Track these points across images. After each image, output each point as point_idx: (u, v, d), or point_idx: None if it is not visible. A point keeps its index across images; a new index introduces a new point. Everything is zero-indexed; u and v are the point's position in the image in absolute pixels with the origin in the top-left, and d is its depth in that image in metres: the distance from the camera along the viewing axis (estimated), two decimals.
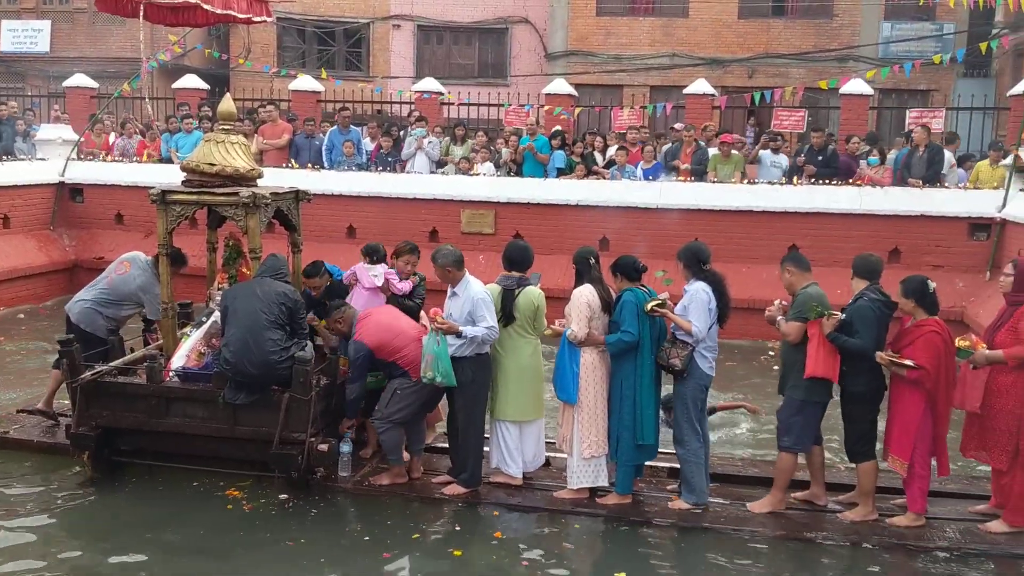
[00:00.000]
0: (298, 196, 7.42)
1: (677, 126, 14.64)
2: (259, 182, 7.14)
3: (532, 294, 6.51)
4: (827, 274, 7.82)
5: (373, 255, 7.23)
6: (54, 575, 5.50)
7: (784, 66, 21.58)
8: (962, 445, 6.28)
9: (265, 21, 8.96)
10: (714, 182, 13.00)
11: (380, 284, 7.12)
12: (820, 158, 13.03)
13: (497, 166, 14.09)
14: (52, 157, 14.54)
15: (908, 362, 5.81)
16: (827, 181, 12.70)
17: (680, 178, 13.13)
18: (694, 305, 6.16)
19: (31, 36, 24.73)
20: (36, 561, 5.60)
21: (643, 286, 6.38)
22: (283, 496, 6.43)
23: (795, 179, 12.85)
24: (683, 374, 6.18)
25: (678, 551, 6.06)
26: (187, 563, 5.68)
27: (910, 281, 6.06)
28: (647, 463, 6.78)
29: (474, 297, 6.31)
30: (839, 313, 5.96)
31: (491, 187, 13.47)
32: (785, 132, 14.58)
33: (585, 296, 6.26)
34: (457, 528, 6.21)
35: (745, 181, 13.08)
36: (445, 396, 6.69)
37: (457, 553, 5.84)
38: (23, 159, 14.24)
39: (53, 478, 6.85)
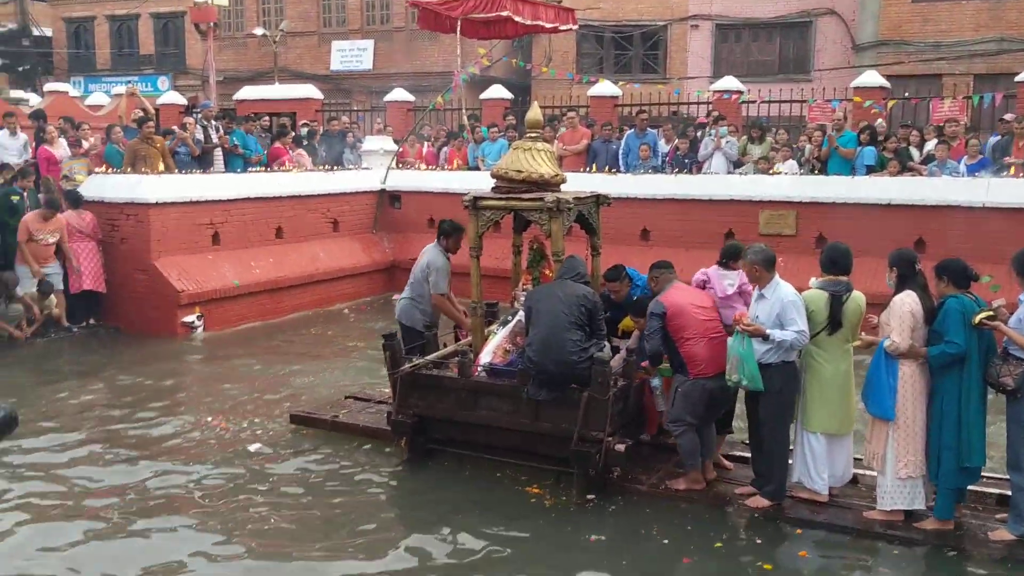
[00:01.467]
0: (599, 200, 7.56)
1: (1007, 117, 13.27)
2: (561, 187, 7.36)
3: (859, 300, 6.16)
4: None
5: (732, 257, 6.81)
6: (364, 539, 6.02)
7: None
8: None
9: (571, 29, 9.22)
10: None
11: (732, 292, 6.78)
12: None
13: (800, 164, 13.53)
14: (375, 166, 15.88)
15: None
16: None
17: (1011, 174, 11.87)
18: None
19: (356, 55, 27.22)
20: (354, 524, 6.16)
21: (970, 294, 5.83)
22: (590, 496, 6.55)
23: None
24: (1017, 394, 5.56)
25: None
26: (490, 546, 5.95)
27: None
28: (971, 488, 6.19)
29: (784, 300, 6.06)
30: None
31: (792, 186, 12.94)
32: None
33: (908, 304, 5.83)
34: (758, 541, 6.01)
35: None
36: (746, 405, 6.52)
37: (767, 567, 5.67)
38: (351, 168, 15.68)
39: (375, 458, 7.48)
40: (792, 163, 13.51)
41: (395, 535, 6.17)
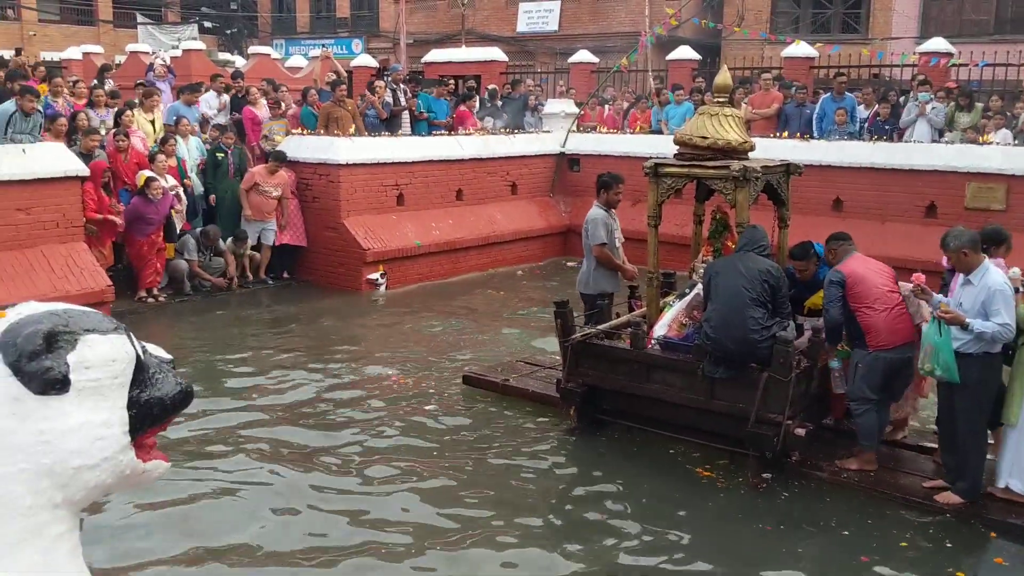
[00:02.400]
0: (788, 170, 7.17)
1: None
2: (749, 155, 7.03)
3: None
4: None
5: (995, 242, 6.15)
6: (530, 501, 6.00)
7: None
8: None
9: None
10: None
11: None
12: None
13: (1014, 135, 12.39)
14: (555, 129, 15.82)
15: None
16: None
17: None
18: None
19: (543, 16, 27.15)
20: (521, 488, 6.16)
21: None
22: (766, 475, 6.31)
23: None
24: None
25: None
26: (655, 527, 5.81)
27: None
28: None
29: (991, 287, 5.52)
30: None
31: (1005, 157, 11.87)
32: None
33: None
34: (948, 544, 5.58)
35: None
36: (938, 394, 6.05)
37: (959, 574, 5.26)
38: (531, 132, 15.67)
39: (544, 425, 7.48)
40: (1006, 132, 12.40)
41: (556, 506, 6.14)
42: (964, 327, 5.53)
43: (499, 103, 16.02)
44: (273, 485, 6.26)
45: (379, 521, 5.79)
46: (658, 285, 7.34)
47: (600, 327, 7.30)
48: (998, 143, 12.18)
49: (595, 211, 7.88)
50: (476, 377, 8.36)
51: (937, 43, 15.20)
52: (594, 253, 7.84)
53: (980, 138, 12.31)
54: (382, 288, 12.23)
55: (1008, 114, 12.88)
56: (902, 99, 13.62)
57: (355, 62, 20.82)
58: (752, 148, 6.95)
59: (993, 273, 5.62)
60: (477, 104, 15.90)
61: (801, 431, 6.18)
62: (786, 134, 13.62)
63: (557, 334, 7.41)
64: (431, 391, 8.28)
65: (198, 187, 12.08)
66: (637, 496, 6.22)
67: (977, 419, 5.77)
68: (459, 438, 7.23)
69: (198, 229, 11.84)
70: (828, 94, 13.97)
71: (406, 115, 14.51)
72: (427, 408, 7.82)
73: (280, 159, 12.03)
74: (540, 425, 7.49)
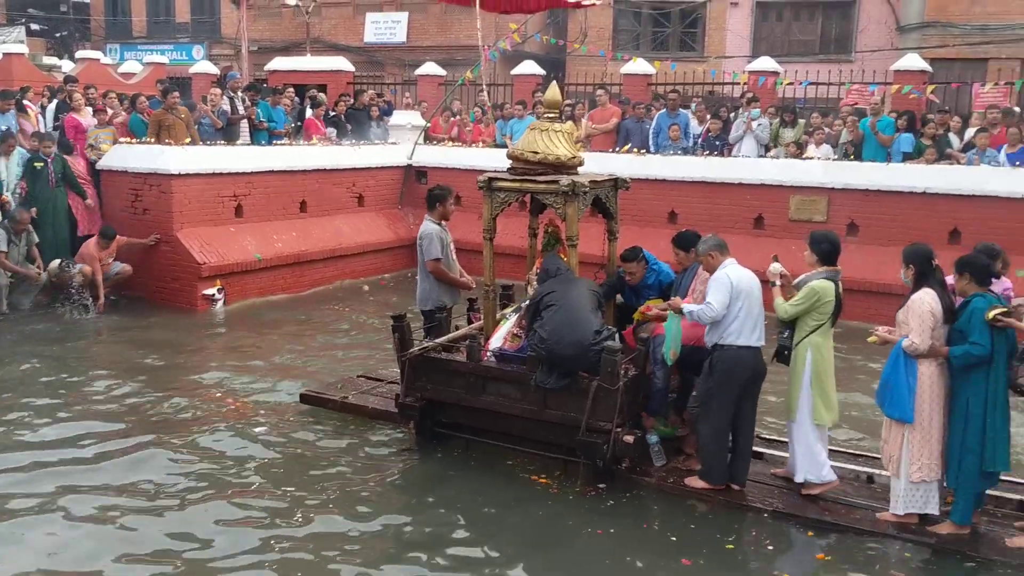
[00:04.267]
0: (617, 184, 7.35)
1: None
2: (584, 167, 7.19)
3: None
4: None
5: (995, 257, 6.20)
6: (366, 524, 5.93)
7: None
8: None
9: (594, 4, 8.98)
10: None
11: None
12: None
13: (835, 149, 13.18)
14: (403, 141, 15.73)
15: None
16: None
17: None
18: None
19: (390, 27, 26.97)
20: (357, 508, 6.07)
21: (991, 291, 5.59)
22: (601, 485, 6.43)
23: None
24: None
25: None
26: (490, 534, 5.86)
27: None
28: (989, 492, 5.97)
29: (712, 277, 6.22)
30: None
31: (825, 172, 12.61)
32: None
33: (928, 303, 5.60)
34: (770, 547, 5.80)
35: None
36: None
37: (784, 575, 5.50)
38: (376, 143, 15.52)
39: (383, 441, 7.38)
40: (827, 148, 13.16)
41: (394, 521, 6.06)
42: (679, 311, 6.24)
43: (343, 114, 15.77)
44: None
45: (204, 541, 5.58)
46: (494, 298, 7.38)
47: (437, 340, 7.27)
48: (819, 158, 12.92)
49: (428, 225, 7.84)
50: (314, 395, 8.18)
51: (765, 62, 15.99)
52: (429, 268, 7.82)
53: (802, 154, 13.00)
54: (219, 304, 11.81)
55: (829, 130, 13.66)
56: (732, 115, 14.24)
57: (194, 68, 20.10)
58: (581, 163, 7.09)
59: (728, 268, 6.18)
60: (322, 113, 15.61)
61: (630, 438, 6.34)
62: (625, 149, 14.03)
63: (395, 348, 7.35)
64: (267, 411, 8.04)
65: (16, 205, 11.31)
66: (473, 507, 6.23)
67: (707, 407, 6.19)
68: (296, 458, 7.04)
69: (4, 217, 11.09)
70: (663, 110, 14.46)
71: (245, 124, 14.09)
72: (259, 429, 7.59)
73: (108, 236, 11.45)
74: (379, 442, 7.40)
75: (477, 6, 8.71)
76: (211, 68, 20.11)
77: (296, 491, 6.40)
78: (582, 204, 6.80)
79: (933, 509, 5.80)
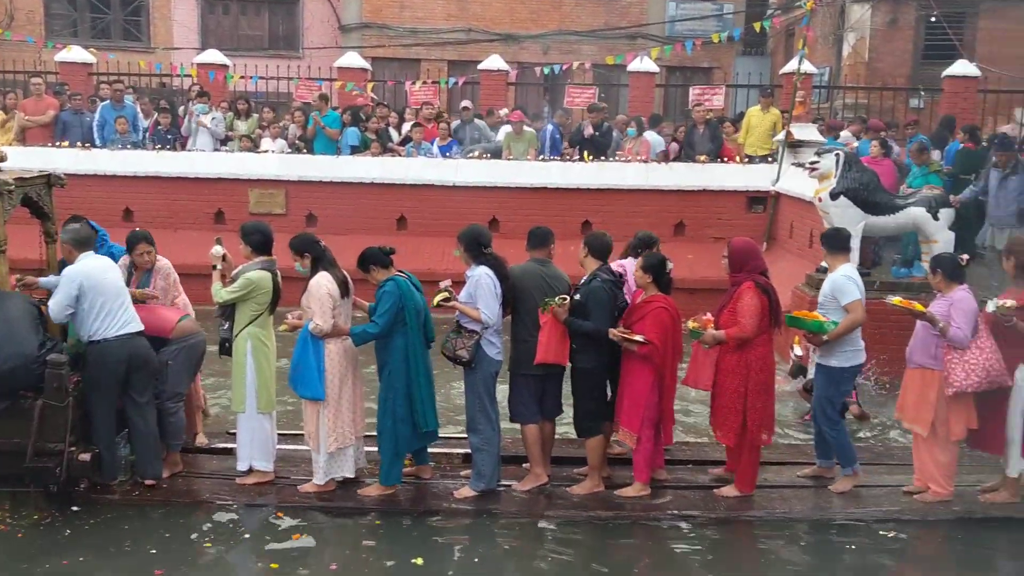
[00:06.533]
0: (50, 181, 6.72)
1: (466, 104, 14.54)
2: (19, 163, 6.45)
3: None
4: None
5: (649, 246, 6.64)
6: None
7: (577, 43, 21.96)
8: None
9: None
10: (509, 159, 13.02)
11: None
12: (597, 134, 13.36)
13: (288, 143, 13.53)
14: None
15: (639, 338, 5.90)
16: (602, 158, 13.06)
17: (476, 156, 13.05)
18: (481, 292, 6.01)
19: None
20: None
21: (400, 271, 6.14)
22: (75, 508, 5.92)
23: (586, 155, 13.06)
24: (471, 364, 6.05)
25: (472, 539, 5.96)
26: None
27: (651, 257, 6.19)
28: (441, 450, 6.66)
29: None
30: (567, 298, 6.02)
31: (280, 165, 12.92)
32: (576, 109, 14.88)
33: (324, 286, 5.98)
34: (246, 535, 5.83)
35: (540, 158, 13.17)
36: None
37: (273, 565, 5.48)
38: None
39: None
40: (282, 141, 13.46)
41: None
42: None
43: None
44: None
45: None
46: None
47: None
48: (274, 151, 13.16)
49: None
50: None
51: (213, 55, 15.77)
52: None
53: (256, 147, 13.14)
54: None
55: (282, 124, 13.96)
56: (181, 109, 13.86)
57: None
58: (3, 159, 6.36)
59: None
60: None
61: (86, 456, 5.88)
62: (67, 143, 12.92)
63: None
64: None
65: None
66: None
67: (91, 398, 5.99)
68: None
69: None
70: (107, 102, 13.57)
71: None
72: None
73: None
74: None
75: None
76: None
77: None
78: (9, 204, 6.11)
79: (350, 472, 6.26)
